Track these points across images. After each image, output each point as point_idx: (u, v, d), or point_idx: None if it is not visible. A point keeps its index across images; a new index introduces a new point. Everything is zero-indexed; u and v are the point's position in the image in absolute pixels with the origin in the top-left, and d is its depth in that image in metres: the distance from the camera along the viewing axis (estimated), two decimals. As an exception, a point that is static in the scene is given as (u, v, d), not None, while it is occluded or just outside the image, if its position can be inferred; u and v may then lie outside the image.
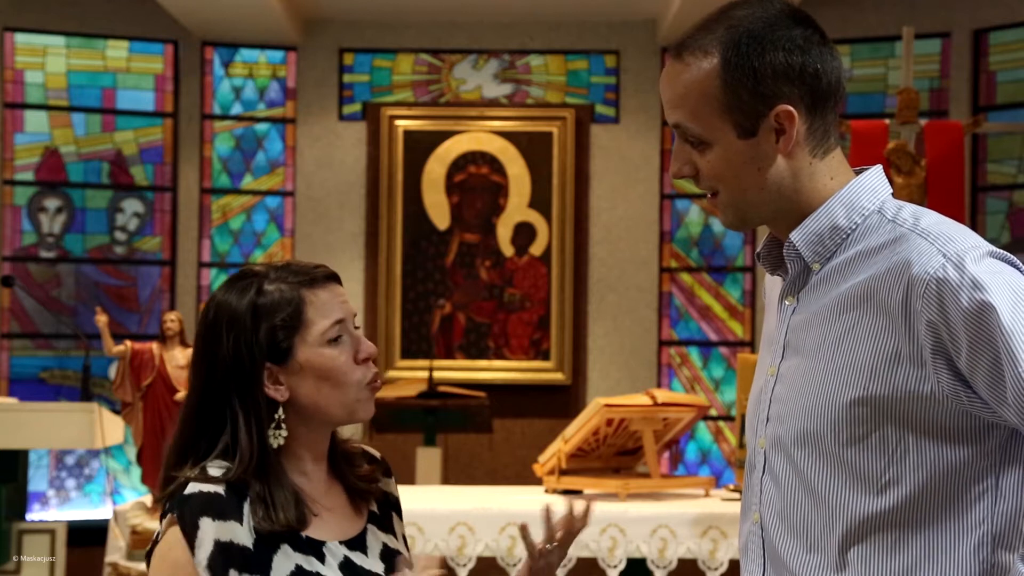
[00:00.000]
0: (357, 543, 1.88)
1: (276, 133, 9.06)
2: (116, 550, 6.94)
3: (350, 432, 2.05)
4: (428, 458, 7.55)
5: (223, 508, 1.79)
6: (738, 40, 1.65)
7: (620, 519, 4.57)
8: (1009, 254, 1.62)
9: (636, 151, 8.92)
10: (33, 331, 8.69)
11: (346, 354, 1.87)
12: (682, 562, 4.62)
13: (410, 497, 4.73)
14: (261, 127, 9.06)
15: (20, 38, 8.66)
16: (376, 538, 1.92)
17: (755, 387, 1.79)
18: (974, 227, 7.80)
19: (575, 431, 4.87)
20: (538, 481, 5.11)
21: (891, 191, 1.73)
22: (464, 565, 4.57)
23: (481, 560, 4.63)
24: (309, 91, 8.97)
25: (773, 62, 1.65)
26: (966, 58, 8.33)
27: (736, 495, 4.84)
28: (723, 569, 4.61)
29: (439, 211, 8.85)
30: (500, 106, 9.01)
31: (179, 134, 8.90)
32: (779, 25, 1.66)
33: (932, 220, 1.65)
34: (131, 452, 8.02)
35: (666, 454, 5.80)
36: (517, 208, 8.85)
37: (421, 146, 8.83)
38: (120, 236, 8.88)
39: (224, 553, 1.77)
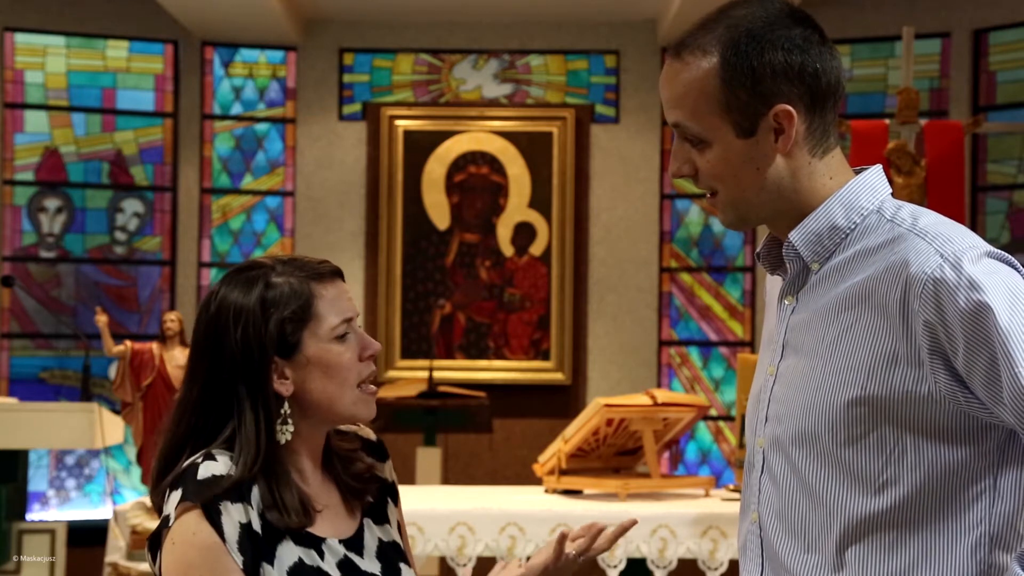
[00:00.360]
0: (354, 543, 1.87)
1: (276, 133, 9.07)
2: (116, 550, 6.93)
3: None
4: (428, 458, 7.55)
5: (240, 492, 1.77)
6: (737, 39, 1.65)
7: (620, 519, 4.56)
8: (1007, 254, 1.62)
9: (636, 151, 8.92)
10: (33, 331, 8.70)
11: (352, 351, 1.86)
12: (682, 562, 4.61)
13: (410, 497, 4.73)
14: (261, 127, 9.06)
15: (20, 38, 8.66)
16: (372, 535, 1.91)
17: (755, 386, 1.79)
18: (974, 227, 7.81)
19: (575, 431, 4.87)
20: (538, 481, 5.11)
21: (890, 191, 1.73)
22: (464, 565, 4.56)
23: (481, 560, 4.63)
24: (309, 91, 8.98)
25: (772, 61, 1.64)
26: (966, 58, 8.33)
27: (736, 495, 4.84)
28: (723, 569, 4.60)
29: (439, 211, 8.85)
30: (500, 106, 9.01)
31: (179, 134, 8.90)
32: (778, 25, 1.66)
33: (931, 220, 1.64)
34: (131, 452, 8.03)
35: (666, 454, 5.80)
36: (517, 208, 8.85)
37: (421, 146, 8.83)
38: (120, 236, 8.88)
39: (248, 536, 1.76)
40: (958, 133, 6.44)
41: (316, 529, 1.83)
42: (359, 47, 9.03)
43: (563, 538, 2.05)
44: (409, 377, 8.35)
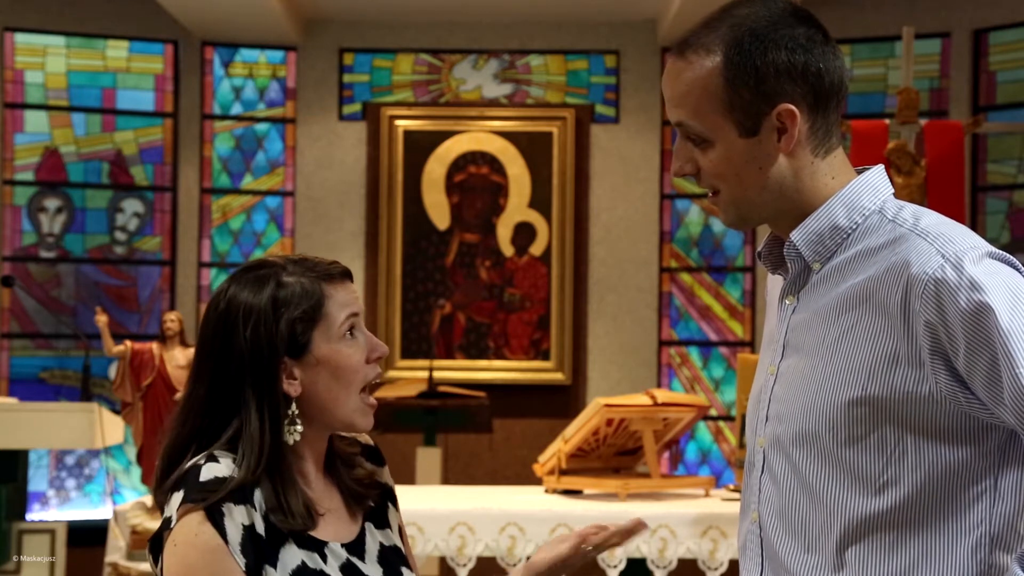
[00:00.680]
0: (356, 547, 1.87)
1: (276, 133, 9.06)
2: (116, 550, 6.93)
3: None
4: (428, 458, 7.55)
5: (243, 493, 1.76)
6: (741, 38, 1.65)
7: (620, 519, 4.56)
8: (1008, 255, 1.62)
9: (636, 151, 8.92)
10: (33, 331, 8.69)
11: (360, 352, 1.86)
12: (682, 562, 4.61)
13: (410, 497, 4.74)
14: (261, 127, 9.06)
15: (20, 38, 8.66)
16: (373, 539, 1.90)
17: (755, 386, 1.79)
18: (974, 227, 7.80)
19: (575, 431, 4.87)
20: (538, 481, 5.11)
21: (892, 191, 1.73)
22: (464, 565, 4.56)
23: (481, 560, 4.62)
24: (309, 91, 8.97)
25: (775, 61, 1.64)
26: (966, 58, 8.33)
27: (736, 495, 4.84)
28: (723, 569, 4.60)
29: (439, 211, 8.85)
30: (500, 106, 9.01)
31: (179, 134, 8.90)
32: (782, 24, 1.66)
33: (932, 220, 1.64)
34: (131, 452, 8.02)
35: (666, 454, 5.80)
36: (517, 208, 8.85)
37: (421, 146, 8.83)
38: (120, 236, 8.88)
39: (251, 538, 1.74)
40: (958, 133, 6.45)
41: (318, 532, 1.82)
42: (359, 47, 9.03)
43: (582, 533, 2.02)
44: (409, 377, 8.35)
